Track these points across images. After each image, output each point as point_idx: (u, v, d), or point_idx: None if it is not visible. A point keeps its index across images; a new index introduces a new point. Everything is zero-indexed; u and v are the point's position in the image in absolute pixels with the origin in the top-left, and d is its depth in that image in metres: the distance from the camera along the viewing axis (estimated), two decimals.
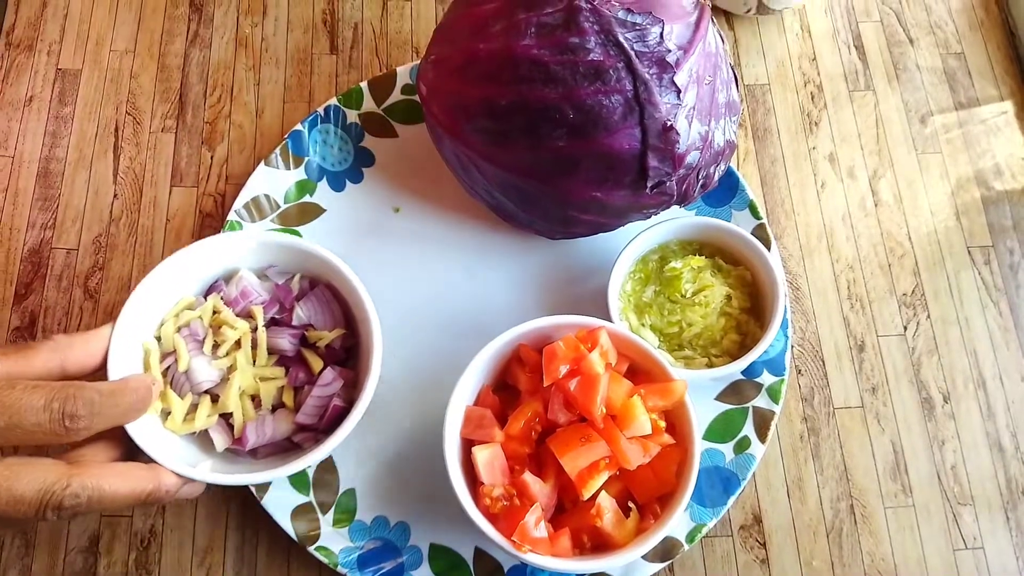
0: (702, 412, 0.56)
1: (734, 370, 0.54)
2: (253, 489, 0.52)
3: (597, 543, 0.48)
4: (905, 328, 0.61)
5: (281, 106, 0.66)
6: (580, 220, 0.53)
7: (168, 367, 0.48)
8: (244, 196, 0.59)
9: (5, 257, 0.60)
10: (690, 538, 0.52)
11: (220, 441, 0.48)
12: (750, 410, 0.56)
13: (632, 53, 0.46)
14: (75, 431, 0.38)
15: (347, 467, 0.55)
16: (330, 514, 0.53)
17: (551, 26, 0.47)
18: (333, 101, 0.62)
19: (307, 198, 0.61)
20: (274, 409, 0.49)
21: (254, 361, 0.49)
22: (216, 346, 0.49)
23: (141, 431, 0.43)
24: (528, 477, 0.46)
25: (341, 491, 0.54)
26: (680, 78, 0.47)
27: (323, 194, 0.61)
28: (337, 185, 0.62)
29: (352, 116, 0.62)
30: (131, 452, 0.43)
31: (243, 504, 0.55)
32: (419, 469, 0.55)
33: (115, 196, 0.62)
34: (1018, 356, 0.61)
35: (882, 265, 0.63)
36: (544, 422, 0.48)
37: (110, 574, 0.53)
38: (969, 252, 0.64)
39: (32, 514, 0.36)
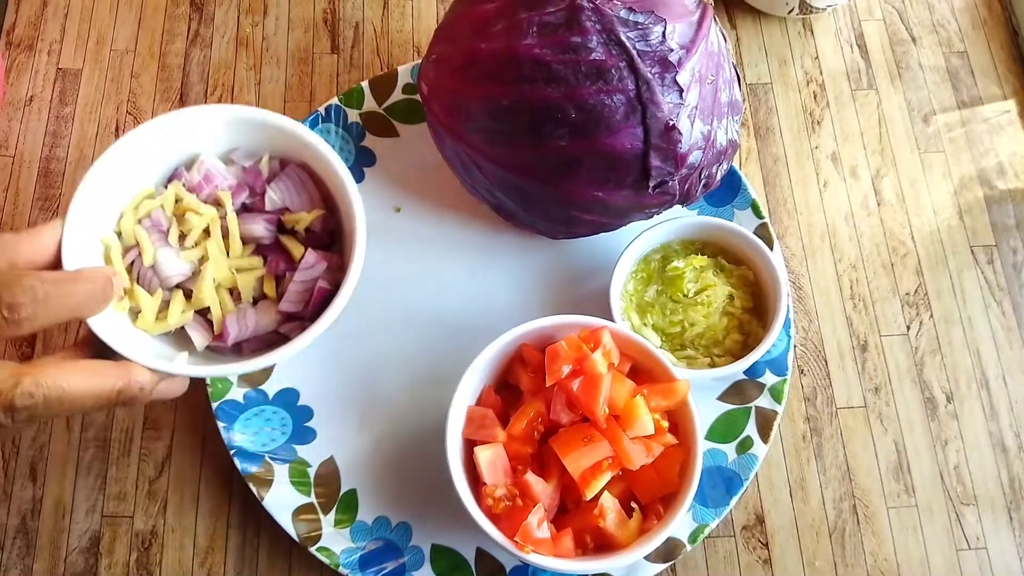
0: (704, 412, 0.56)
1: (736, 370, 0.53)
2: (254, 489, 0.52)
3: (600, 543, 0.47)
4: (908, 328, 0.61)
5: (282, 105, 0.66)
6: (582, 220, 0.52)
7: (132, 262, 0.44)
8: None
9: None
10: (692, 538, 0.52)
11: (199, 339, 0.44)
12: (752, 410, 0.56)
13: (634, 52, 0.46)
14: (16, 323, 0.34)
15: (348, 467, 0.55)
16: (331, 514, 0.53)
17: (553, 25, 0.46)
18: (334, 100, 0.62)
19: None
20: (255, 302, 0.46)
21: (228, 252, 0.45)
22: (183, 237, 0.45)
23: (107, 327, 0.39)
24: (531, 477, 0.46)
25: (342, 491, 0.54)
26: (682, 77, 0.47)
27: None
28: None
29: (353, 115, 0.62)
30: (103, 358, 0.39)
31: (244, 504, 0.55)
32: (421, 469, 0.54)
33: None
34: (1021, 355, 0.61)
35: (885, 264, 0.63)
36: (547, 422, 0.48)
37: (111, 575, 0.53)
38: (972, 251, 0.64)
39: None
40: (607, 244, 0.59)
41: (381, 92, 0.63)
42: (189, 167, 0.47)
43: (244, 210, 0.47)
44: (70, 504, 0.54)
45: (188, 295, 0.45)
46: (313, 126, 0.61)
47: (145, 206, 0.45)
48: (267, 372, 0.56)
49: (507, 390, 0.52)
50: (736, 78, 0.53)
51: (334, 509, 0.53)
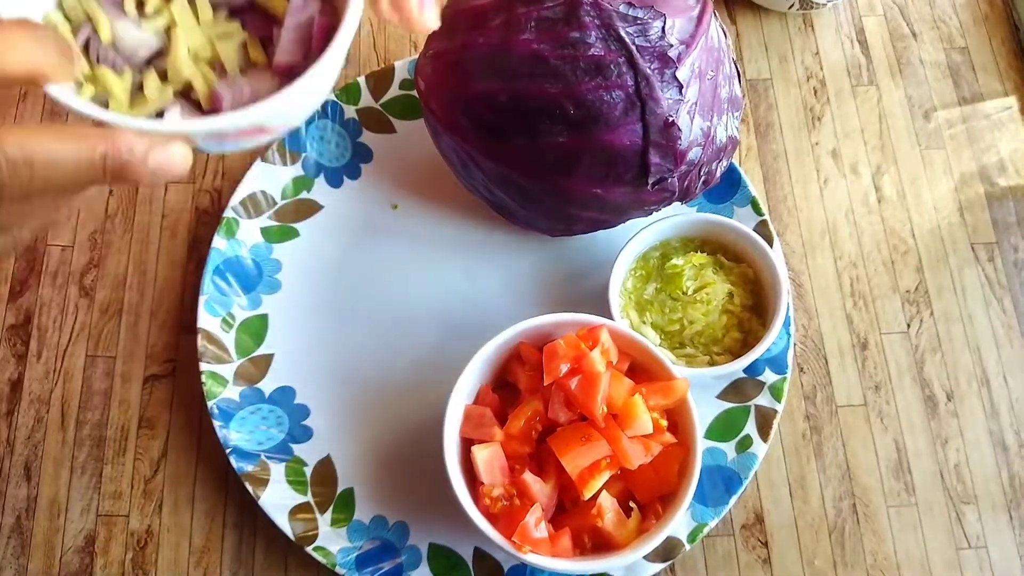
0: (703, 411, 0.55)
1: (736, 368, 0.53)
2: (251, 488, 0.52)
3: (598, 543, 0.47)
4: (908, 325, 0.61)
5: None
6: (580, 217, 0.52)
7: (87, 43, 0.36)
8: (240, 192, 0.59)
9: None
10: (691, 538, 0.52)
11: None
12: (752, 408, 0.55)
13: (633, 48, 0.45)
14: None
15: (345, 466, 0.54)
16: (328, 514, 0.53)
17: (551, 20, 0.46)
18: (331, 96, 0.61)
19: (304, 194, 0.60)
20: (243, 72, 0.38)
21: (197, 20, 0.37)
22: (140, 4, 0.37)
23: (73, 97, 0.32)
24: (528, 477, 0.46)
25: (339, 490, 0.54)
26: (682, 73, 0.46)
27: (320, 190, 0.61)
28: (334, 181, 0.61)
29: (350, 111, 0.62)
30: None
31: (240, 504, 0.54)
32: (418, 468, 0.54)
33: (110, 192, 0.62)
34: (1022, 353, 0.60)
35: (885, 262, 0.63)
36: (544, 421, 0.48)
37: (107, 574, 0.53)
38: (973, 249, 0.63)
39: None
40: (606, 241, 0.59)
41: (378, 88, 0.62)
42: None
43: None
44: (65, 503, 0.54)
45: (164, 77, 0.37)
46: (309, 122, 0.61)
47: None
48: (263, 370, 0.56)
49: (505, 389, 0.52)
50: (736, 74, 0.52)
51: (331, 508, 0.53)
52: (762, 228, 0.59)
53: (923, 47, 0.70)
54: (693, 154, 0.48)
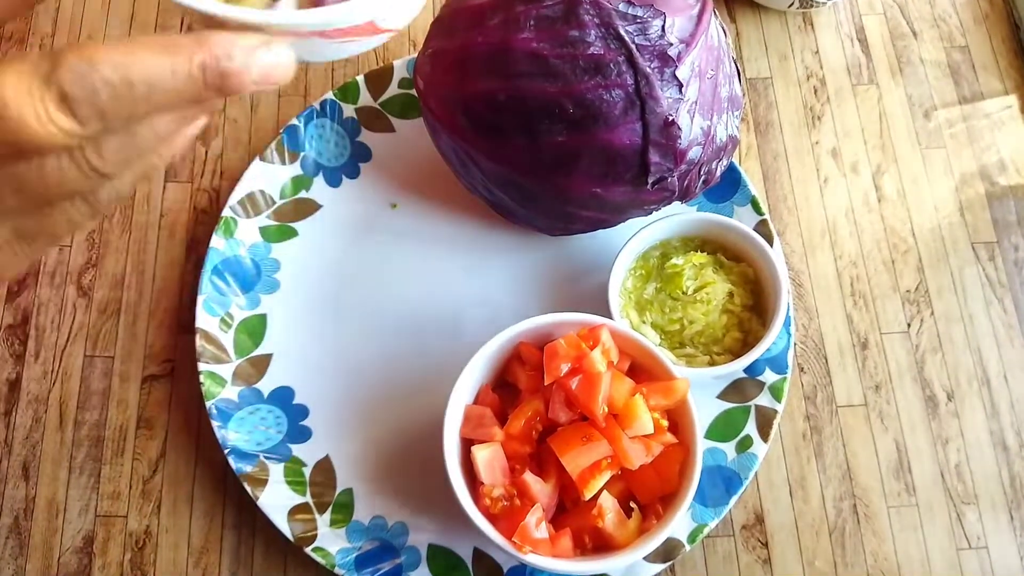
0: (704, 411, 0.55)
1: (736, 368, 0.53)
2: (249, 489, 0.52)
3: (598, 544, 0.47)
4: (908, 325, 0.61)
5: (276, 100, 0.65)
6: (580, 216, 0.52)
7: None
8: (239, 192, 0.58)
9: None
10: (692, 538, 0.52)
11: None
12: (752, 409, 0.55)
13: (633, 47, 0.45)
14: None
15: (344, 467, 0.54)
16: (327, 514, 0.53)
17: (550, 19, 0.46)
18: (329, 95, 0.61)
19: (303, 194, 0.60)
20: None
21: None
22: None
23: None
24: (529, 477, 0.46)
25: (338, 491, 0.53)
26: (682, 72, 0.46)
27: (319, 190, 0.61)
28: (333, 181, 0.61)
29: (348, 110, 0.62)
30: None
31: (239, 504, 0.54)
32: (417, 469, 0.54)
33: None
34: (1022, 353, 0.60)
35: (885, 261, 0.63)
36: (545, 421, 0.48)
37: (105, 575, 0.53)
38: (973, 248, 0.63)
39: (25, 122, 0.23)
40: (605, 241, 0.58)
41: (377, 87, 0.62)
42: None
43: None
44: (63, 503, 0.54)
45: None
46: (308, 121, 0.61)
47: None
48: (262, 370, 0.56)
49: (505, 388, 0.52)
50: (736, 73, 0.52)
51: (330, 509, 0.53)
52: (762, 227, 0.59)
53: (923, 46, 0.70)
54: (693, 153, 0.48)
